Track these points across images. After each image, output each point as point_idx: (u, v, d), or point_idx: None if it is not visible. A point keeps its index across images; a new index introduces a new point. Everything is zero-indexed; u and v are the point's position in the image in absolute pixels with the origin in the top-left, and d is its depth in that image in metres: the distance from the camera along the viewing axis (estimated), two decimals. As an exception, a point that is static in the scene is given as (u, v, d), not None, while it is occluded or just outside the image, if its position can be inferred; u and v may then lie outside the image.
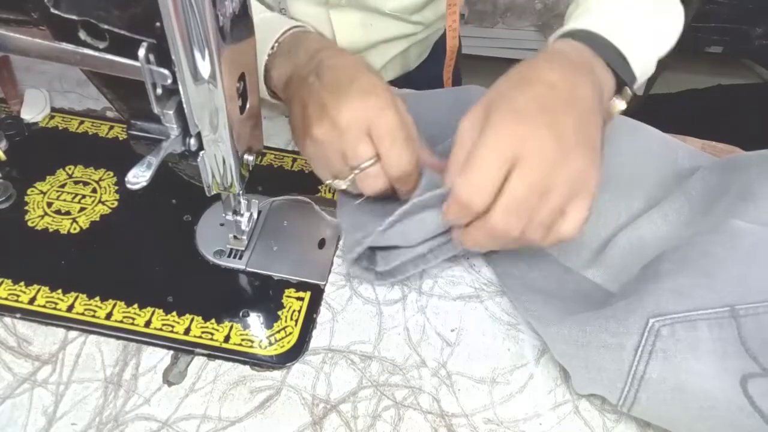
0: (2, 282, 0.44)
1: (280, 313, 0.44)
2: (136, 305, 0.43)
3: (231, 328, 0.43)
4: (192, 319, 0.43)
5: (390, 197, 0.46)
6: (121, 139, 0.55)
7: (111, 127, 0.56)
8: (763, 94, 1.85)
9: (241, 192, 0.43)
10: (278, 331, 0.43)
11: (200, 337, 0.42)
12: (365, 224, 0.44)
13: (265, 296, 0.45)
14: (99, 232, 0.48)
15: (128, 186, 0.34)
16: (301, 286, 0.46)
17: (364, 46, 0.67)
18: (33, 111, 0.56)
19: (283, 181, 0.53)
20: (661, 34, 0.50)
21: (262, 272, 0.46)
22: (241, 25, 0.34)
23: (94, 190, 0.51)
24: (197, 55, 0.32)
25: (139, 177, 0.34)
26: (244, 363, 0.42)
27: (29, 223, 0.48)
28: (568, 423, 0.40)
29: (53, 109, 0.57)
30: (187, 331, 0.42)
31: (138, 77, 0.32)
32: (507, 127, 0.37)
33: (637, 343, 0.36)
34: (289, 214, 0.50)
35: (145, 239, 0.48)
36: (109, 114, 0.57)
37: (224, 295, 0.45)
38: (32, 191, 0.50)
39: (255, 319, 0.44)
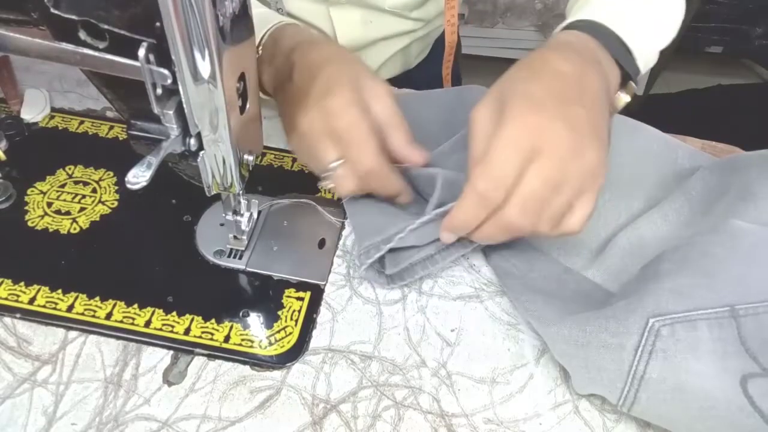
0: (2, 282, 0.44)
1: (280, 313, 0.44)
2: (136, 305, 0.43)
3: (231, 328, 0.43)
4: (192, 319, 0.43)
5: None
6: (121, 139, 0.55)
7: (111, 127, 0.56)
8: (763, 94, 1.85)
9: (241, 192, 0.43)
10: (278, 331, 0.43)
11: (200, 337, 0.42)
12: (382, 227, 0.43)
13: (265, 296, 0.45)
14: (99, 232, 0.48)
15: (128, 186, 0.34)
16: (301, 286, 0.46)
17: (364, 43, 0.67)
18: (33, 111, 0.56)
19: (283, 181, 0.53)
20: (662, 25, 0.49)
21: (262, 272, 0.46)
22: (241, 25, 0.34)
23: (94, 190, 0.51)
24: (197, 55, 0.32)
25: (139, 177, 0.34)
26: (244, 363, 0.42)
27: (29, 223, 0.48)
28: (568, 423, 0.40)
29: (53, 109, 0.57)
30: (187, 331, 0.42)
31: (138, 77, 0.32)
32: (525, 119, 0.37)
33: (637, 343, 0.36)
34: (289, 214, 0.50)
35: (145, 239, 0.48)
36: (109, 114, 0.57)
37: (224, 295, 0.45)
38: (32, 191, 0.50)
39: (255, 319, 0.44)
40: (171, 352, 0.42)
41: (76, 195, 0.50)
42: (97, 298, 0.43)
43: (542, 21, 1.66)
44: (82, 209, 0.49)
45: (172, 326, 0.42)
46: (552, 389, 0.41)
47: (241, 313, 0.44)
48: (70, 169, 0.52)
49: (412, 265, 0.45)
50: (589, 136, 0.37)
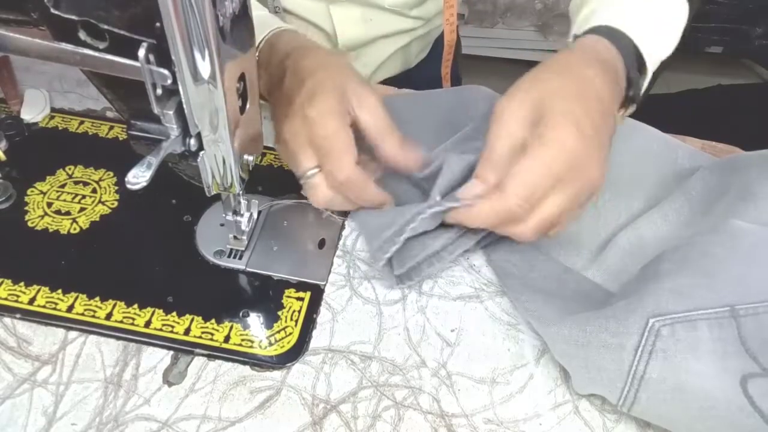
0: (2, 282, 0.44)
1: (280, 313, 0.44)
2: (136, 305, 0.43)
3: (231, 328, 0.43)
4: (192, 320, 0.43)
5: (400, 194, 0.46)
6: (121, 139, 0.55)
7: (111, 127, 0.56)
8: (763, 94, 1.85)
9: (241, 192, 0.43)
10: (278, 331, 0.43)
11: (200, 337, 0.42)
12: (392, 220, 0.43)
13: (265, 296, 0.45)
14: (99, 232, 0.48)
15: (128, 186, 0.34)
16: (301, 286, 0.46)
17: (364, 41, 0.67)
18: (33, 111, 0.56)
19: (283, 181, 0.53)
20: (671, 40, 0.50)
21: (262, 272, 0.46)
22: (241, 25, 0.34)
23: (94, 190, 0.51)
24: (197, 55, 0.32)
25: (139, 177, 0.34)
26: (244, 363, 0.42)
27: (29, 223, 0.48)
28: (568, 423, 0.40)
29: (53, 109, 0.57)
30: (187, 332, 0.42)
31: (138, 77, 0.32)
32: (565, 145, 0.37)
33: (637, 343, 0.36)
34: (289, 214, 0.50)
35: (145, 239, 0.48)
36: (109, 114, 0.57)
37: (224, 295, 0.45)
38: (32, 191, 0.50)
39: (255, 319, 0.44)
40: (171, 352, 0.42)
41: (76, 195, 0.50)
42: (97, 299, 0.43)
43: (542, 21, 1.66)
44: (82, 209, 0.49)
45: (172, 326, 0.42)
46: (552, 389, 0.41)
47: (241, 314, 0.44)
48: (70, 169, 0.52)
49: (419, 264, 0.45)
50: (603, 158, 0.39)
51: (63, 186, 0.50)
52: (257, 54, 0.48)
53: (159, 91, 0.33)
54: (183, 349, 0.42)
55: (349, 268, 0.47)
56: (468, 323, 0.45)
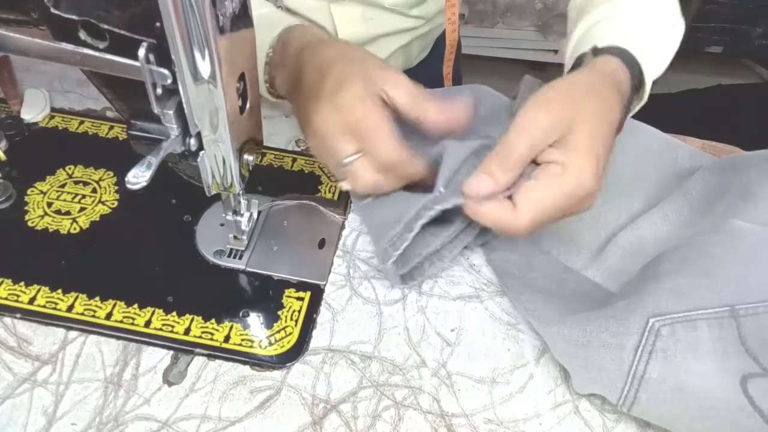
0: (2, 282, 0.44)
1: (280, 313, 0.44)
2: (136, 305, 0.43)
3: (231, 328, 0.43)
4: (192, 319, 0.43)
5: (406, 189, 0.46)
6: (121, 139, 0.55)
7: (111, 127, 0.56)
8: (763, 94, 1.85)
9: (241, 192, 0.43)
10: (278, 331, 0.43)
11: (200, 337, 0.42)
12: (399, 216, 0.42)
13: (265, 296, 0.45)
14: (99, 232, 0.48)
15: (128, 186, 0.34)
16: (301, 286, 0.46)
17: (365, 39, 0.67)
18: (33, 111, 0.56)
19: (283, 181, 0.53)
20: (665, 59, 0.50)
21: (262, 272, 0.46)
22: (241, 25, 0.34)
23: (94, 190, 0.51)
24: (197, 55, 0.32)
25: (139, 177, 0.34)
26: (244, 363, 0.42)
27: (29, 223, 0.48)
28: (568, 423, 0.40)
29: (53, 109, 0.57)
30: (187, 331, 0.42)
31: (138, 77, 0.32)
32: (583, 182, 0.39)
33: (637, 342, 0.36)
34: (289, 214, 0.50)
35: (145, 239, 0.48)
36: (109, 114, 0.57)
37: (224, 295, 0.45)
38: (32, 191, 0.50)
39: (255, 319, 0.44)
40: (171, 352, 0.42)
41: (76, 195, 0.50)
42: (97, 298, 0.43)
43: (542, 21, 1.66)
44: (82, 209, 0.49)
45: (172, 326, 0.42)
46: (552, 389, 0.41)
47: (241, 313, 0.44)
48: (70, 169, 0.52)
49: (420, 263, 0.45)
50: (602, 178, 0.41)
51: (63, 186, 0.50)
52: (271, 52, 0.48)
53: (159, 91, 0.33)
54: (183, 348, 0.42)
55: (349, 268, 0.47)
56: (468, 323, 0.45)
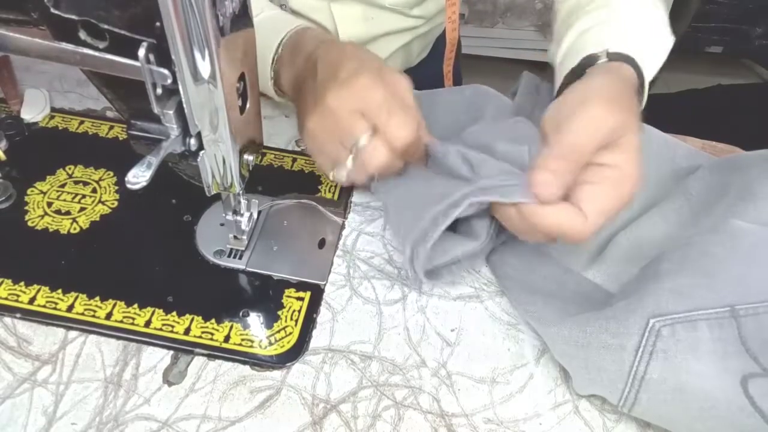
0: (2, 282, 0.44)
1: (280, 313, 0.44)
2: (136, 305, 0.43)
3: (231, 328, 0.43)
4: (192, 319, 0.43)
5: (416, 183, 0.46)
6: (121, 139, 0.55)
7: (111, 127, 0.56)
8: (763, 94, 1.85)
9: (241, 192, 0.43)
10: (278, 331, 0.43)
11: (200, 337, 0.42)
12: (422, 209, 0.42)
13: (265, 296, 0.45)
14: (99, 232, 0.48)
15: (128, 186, 0.34)
16: (301, 286, 0.46)
17: (365, 39, 0.68)
18: (33, 111, 0.56)
19: (283, 181, 0.53)
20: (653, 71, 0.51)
21: (262, 272, 0.46)
22: (241, 25, 0.34)
23: (94, 190, 0.51)
24: (197, 55, 0.32)
25: (139, 177, 0.34)
26: (244, 363, 0.41)
27: (29, 223, 0.48)
28: (568, 423, 0.40)
29: (53, 109, 0.57)
30: (187, 331, 0.42)
31: (138, 77, 0.32)
32: (635, 181, 0.39)
33: (637, 343, 0.36)
34: (289, 214, 0.50)
35: (145, 239, 0.48)
36: (109, 114, 0.57)
37: (224, 295, 0.45)
38: (32, 191, 0.50)
39: (255, 319, 0.44)
40: (171, 352, 0.42)
41: (76, 195, 0.50)
42: (97, 298, 0.43)
43: (542, 21, 1.66)
44: (82, 209, 0.49)
45: (172, 326, 0.42)
46: (552, 389, 0.41)
47: (241, 313, 0.44)
48: (70, 169, 0.52)
49: (438, 268, 0.44)
50: None
51: (63, 186, 0.50)
52: (280, 49, 0.49)
53: (159, 91, 0.33)
54: (183, 348, 0.42)
55: (349, 268, 0.47)
56: (468, 323, 0.45)
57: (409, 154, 0.44)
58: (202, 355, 0.42)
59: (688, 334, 0.35)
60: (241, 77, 0.37)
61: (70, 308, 0.43)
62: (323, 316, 0.44)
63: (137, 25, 0.31)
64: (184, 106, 0.34)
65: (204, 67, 0.32)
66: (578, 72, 0.46)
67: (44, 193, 0.50)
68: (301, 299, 0.45)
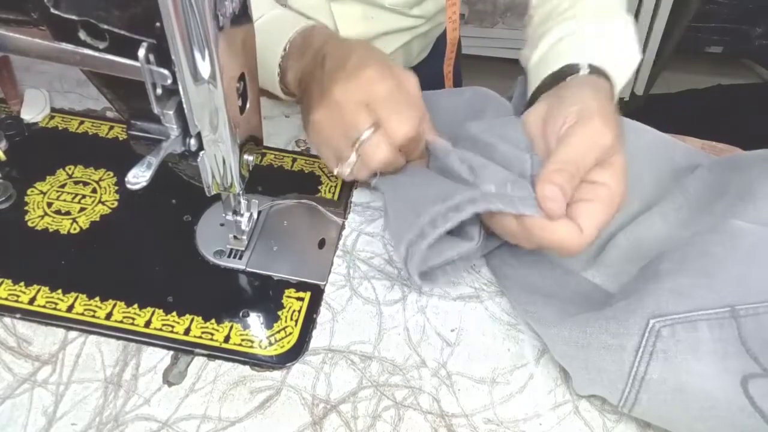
0: (2, 282, 0.44)
1: (280, 313, 0.44)
2: (136, 305, 0.43)
3: (231, 328, 0.43)
4: (192, 319, 0.43)
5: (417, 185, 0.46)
6: (121, 139, 0.55)
7: (111, 127, 0.56)
8: (763, 94, 1.85)
9: (241, 192, 0.43)
10: (278, 331, 0.43)
11: (200, 337, 0.42)
12: (421, 209, 0.42)
13: (265, 296, 0.45)
14: (99, 232, 0.48)
15: (128, 186, 0.34)
16: (301, 286, 0.46)
17: (365, 38, 0.68)
18: (33, 111, 0.56)
19: (283, 181, 0.53)
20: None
21: (262, 272, 0.46)
22: (241, 25, 0.34)
23: (94, 190, 0.50)
24: (197, 55, 0.32)
25: (139, 177, 0.34)
26: (244, 363, 0.41)
27: (29, 223, 0.48)
28: (568, 423, 0.40)
29: (53, 109, 0.57)
30: (187, 332, 0.42)
31: (138, 77, 0.32)
32: (623, 196, 0.41)
33: (637, 343, 0.36)
34: (289, 214, 0.50)
35: (145, 239, 0.48)
36: (109, 114, 0.57)
37: (224, 295, 0.45)
38: (32, 191, 0.50)
39: (255, 319, 0.44)
40: (171, 352, 0.42)
41: (76, 195, 0.50)
42: (97, 298, 0.43)
43: (542, 21, 1.66)
44: (82, 209, 0.49)
45: (172, 326, 0.42)
46: (552, 389, 0.41)
47: (241, 313, 0.44)
48: (70, 169, 0.52)
49: (432, 269, 0.44)
50: None
51: (63, 186, 0.50)
52: (288, 46, 0.50)
53: (159, 91, 0.33)
54: (183, 349, 0.42)
55: (349, 268, 0.47)
56: (468, 323, 0.45)
57: (410, 150, 0.45)
58: (202, 355, 0.42)
59: (688, 335, 0.35)
60: (241, 77, 0.37)
61: (70, 308, 0.43)
62: (323, 316, 0.44)
63: (137, 26, 0.31)
64: (184, 106, 0.34)
65: (204, 67, 0.32)
66: (559, 76, 0.46)
67: (44, 194, 0.50)
68: (301, 299, 0.45)
